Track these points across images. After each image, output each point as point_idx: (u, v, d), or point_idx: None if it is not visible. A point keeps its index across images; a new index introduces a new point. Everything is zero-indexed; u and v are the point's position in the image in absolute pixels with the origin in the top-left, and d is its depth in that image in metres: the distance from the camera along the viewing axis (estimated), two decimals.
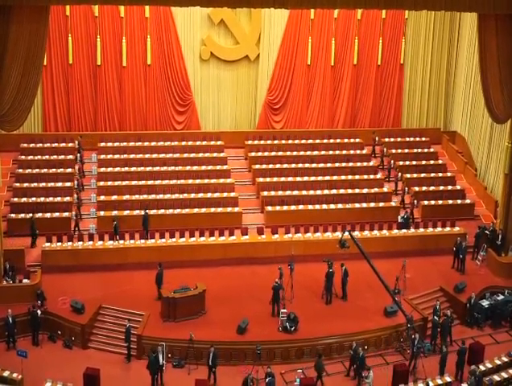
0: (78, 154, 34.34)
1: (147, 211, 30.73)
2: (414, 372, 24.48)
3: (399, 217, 32.18)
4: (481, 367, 23.97)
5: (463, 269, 29.65)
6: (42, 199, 31.59)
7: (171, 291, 26.13)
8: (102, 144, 35.45)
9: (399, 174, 34.90)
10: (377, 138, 37.15)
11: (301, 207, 32.70)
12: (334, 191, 33.62)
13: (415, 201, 32.85)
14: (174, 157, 35.08)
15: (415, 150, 37.33)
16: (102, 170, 33.89)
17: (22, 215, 30.51)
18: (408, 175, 35.05)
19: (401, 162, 35.95)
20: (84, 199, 32.50)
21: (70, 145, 35.02)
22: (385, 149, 36.48)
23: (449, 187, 34.76)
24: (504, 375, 23.76)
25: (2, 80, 24.91)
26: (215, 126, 37.72)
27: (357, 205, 33.06)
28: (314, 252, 29.39)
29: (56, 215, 30.77)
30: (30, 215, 30.05)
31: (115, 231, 29.76)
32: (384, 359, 25.44)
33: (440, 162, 36.83)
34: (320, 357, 23.94)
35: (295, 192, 33.47)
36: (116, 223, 29.81)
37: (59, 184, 32.43)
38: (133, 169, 34.08)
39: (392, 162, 35.63)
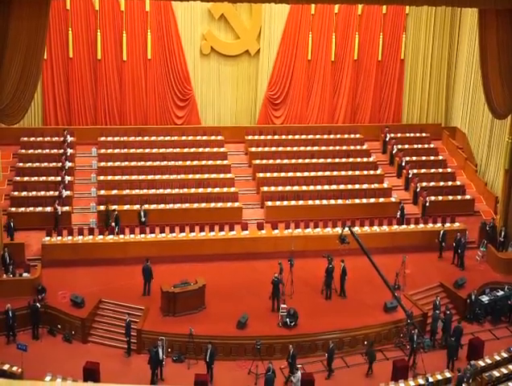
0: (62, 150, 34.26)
1: (143, 205, 30.89)
2: (414, 368, 24.52)
3: (398, 213, 32.14)
4: (481, 363, 24.03)
5: (462, 265, 29.68)
6: (42, 193, 31.58)
7: (171, 286, 26.13)
8: (102, 138, 35.41)
9: (410, 170, 34.75)
10: (388, 134, 37.11)
11: (301, 202, 32.69)
12: (334, 187, 33.62)
13: (427, 197, 32.83)
14: (174, 151, 35.05)
15: (416, 146, 37.28)
16: (102, 164, 33.85)
17: (23, 209, 30.54)
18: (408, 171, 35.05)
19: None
20: (85, 192, 32.57)
21: (71, 139, 34.97)
22: (395, 146, 36.40)
23: (449, 183, 34.75)
24: (503, 370, 23.77)
25: (3, 74, 24.84)
26: (215, 121, 37.68)
27: (357, 200, 33.07)
28: (314, 248, 29.39)
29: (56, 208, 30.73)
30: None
31: (116, 222, 29.76)
32: (384, 355, 25.45)
33: (441, 157, 36.80)
34: (371, 345, 24.32)
35: (295, 187, 33.47)
36: (116, 213, 29.83)
37: (60, 178, 32.35)
38: (133, 163, 34.04)
39: (404, 158, 35.59)
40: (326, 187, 33.57)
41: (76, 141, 35.18)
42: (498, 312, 27.62)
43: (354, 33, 37.32)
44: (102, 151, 34.73)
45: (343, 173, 34.61)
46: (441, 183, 34.63)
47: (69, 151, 34.14)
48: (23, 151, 34.21)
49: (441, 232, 30.09)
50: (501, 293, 27.97)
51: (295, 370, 23.33)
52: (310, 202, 32.74)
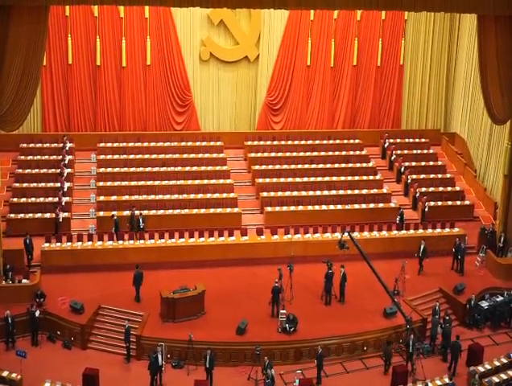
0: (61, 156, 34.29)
1: (141, 212, 30.86)
2: (413, 373, 24.49)
3: (398, 219, 32.14)
4: (480, 369, 24.00)
5: (462, 270, 29.65)
6: (41, 199, 31.57)
7: (171, 291, 26.10)
8: (102, 144, 35.42)
9: (409, 176, 34.75)
10: (387, 140, 37.11)
11: (300, 207, 32.70)
12: (333, 192, 33.62)
13: (426, 203, 32.81)
14: (173, 157, 35.04)
15: (415, 151, 37.30)
16: (102, 170, 33.86)
17: (22, 216, 30.53)
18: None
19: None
20: (84, 199, 32.58)
21: (70, 145, 34.95)
22: (394, 152, 36.42)
23: (449, 188, 34.76)
24: (503, 376, 23.77)
25: (2, 80, 24.86)
26: (214, 127, 37.70)
27: (356, 206, 33.07)
28: (313, 253, 29.39)
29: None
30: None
31: (116, 228, 29.74)
32: (383, 360, 25.41)
33: (440, 163, 36.83)
34: (388, 344, 24.55)
35: (295, 193, 33.47)
36: (117, 218, 29.82)
37: (59, 184, 32.35)
38: (132, 169, 34.05)
39: (403, 164, 35.60)
40: (325, 193, 33.57)
41: (76, 147, 35.19)
42: (498, 317, 27.58)
43: (353, 38, 37.37)
44: (101, 157, 34.73)
45: (342, 178, 34.61)
46: (440, 189, 34.64)
47: (68, 157, 34.13)
48: (22, 157, 34.21)
49: (421, 247, 29.64)
50: (500, 298, 27.93)
51: (269, 369, 23.32)
52: (309, 207, 32.75)
